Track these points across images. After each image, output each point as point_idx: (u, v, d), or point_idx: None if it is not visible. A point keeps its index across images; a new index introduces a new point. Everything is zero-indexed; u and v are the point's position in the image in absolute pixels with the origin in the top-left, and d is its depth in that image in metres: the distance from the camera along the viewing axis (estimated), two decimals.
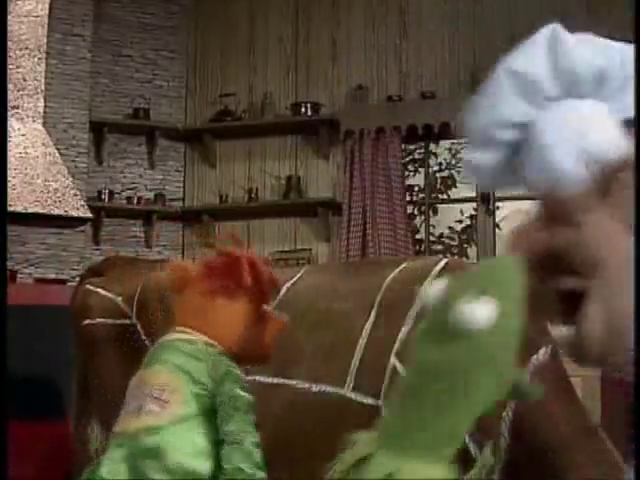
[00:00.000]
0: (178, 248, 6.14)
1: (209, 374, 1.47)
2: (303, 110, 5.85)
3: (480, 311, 0.93)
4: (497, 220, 5.84)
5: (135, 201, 5.95)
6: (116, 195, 5.92)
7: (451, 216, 6.38)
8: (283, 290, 2.22)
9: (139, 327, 2.46)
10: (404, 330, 1.93)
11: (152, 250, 6.01)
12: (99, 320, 2.56)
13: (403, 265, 2.09)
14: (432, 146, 6.15)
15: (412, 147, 6.15)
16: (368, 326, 2.01)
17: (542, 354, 1.75)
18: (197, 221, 6.07)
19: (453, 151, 6.33)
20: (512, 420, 1.75)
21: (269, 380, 2.06)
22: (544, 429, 1.68)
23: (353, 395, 1.92)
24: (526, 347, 0.93)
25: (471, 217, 6.20)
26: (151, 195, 6.03)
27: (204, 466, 1.43)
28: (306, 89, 6.01)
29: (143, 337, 2.45)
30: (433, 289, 0.96)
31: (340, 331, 1.90)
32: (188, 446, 1.45)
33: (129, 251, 5.87)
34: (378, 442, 1.09)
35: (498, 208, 5.80)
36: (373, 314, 2.03)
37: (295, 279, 2.26)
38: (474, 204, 5.82)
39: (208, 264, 1.57)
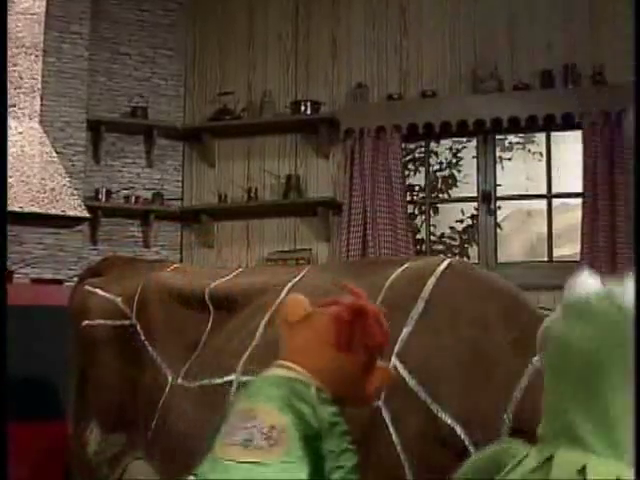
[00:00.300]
0: (176, 248, 6.14)
1: (318, 420, 1.50)
2: (303, 109, 5.83)
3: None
4: (498, 220, 5.85)
5: (133, 200, 5.92)
6: (114, 194, 5.91)
7: (452, 216, 6.38)
8: (284, 291, 2.24)
9: (139, 328, 2.47)
10: (405, 331, 1.94)
11: (150, 250, 6.00)
12: (98, 321, 2.57)
13: (406, 265, 2.10)
14: (433, 145, 6.15)
15: (413, 146, 6.15)
16: None
17: None
18: (196, 221, 6.07)
19: (454, 150, 6.34)
20: (512, 421, 1.77)
21: None
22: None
23: None
24: None
25: (472, 217, 6.22)
26: (149, 194, 6.01)
27: None
28: (306, 87, 6.00)
29: (143, 338, 2.46)
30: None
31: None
32: None
33: (127, 251, 5.87)
34: (547, 439, 1.17)
35: (499, 208, 5.81)
36: None
37: (297, 279, 2.28)
38: (475, 204, 5.82)
39: (334, 311, 1.58)
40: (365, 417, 1.89)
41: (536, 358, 1.71)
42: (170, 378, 2.32)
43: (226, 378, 2.16)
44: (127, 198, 5.95)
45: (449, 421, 1.80)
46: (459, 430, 1.78)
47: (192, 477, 1.53)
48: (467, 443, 1.77)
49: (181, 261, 5.99)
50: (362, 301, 1.63)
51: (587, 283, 1.34)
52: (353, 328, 1.56)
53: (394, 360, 1.91)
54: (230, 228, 6.06)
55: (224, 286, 2.39)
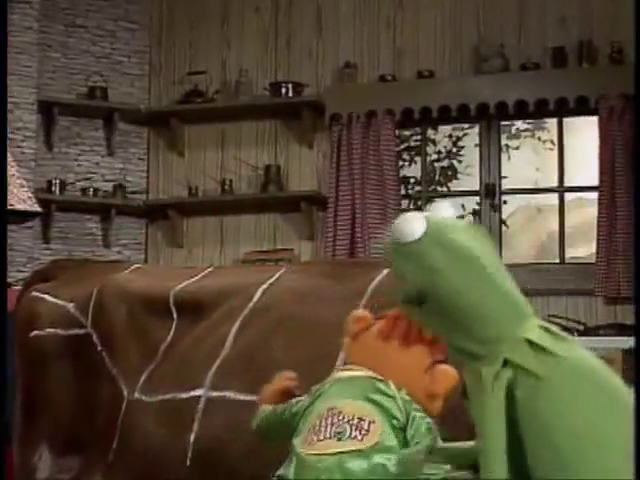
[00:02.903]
0: (141, 248, 6.12)
1: (400, 411, 1.62)
2: (283, 91, 5.84)
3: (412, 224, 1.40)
4: (503, 216, 5.86)
5: (91, 193, 5.91)
6: (69, 186, 5.90)
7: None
8: (258, 294, 2.22)
9: (95, 337, 2.45)
10: None
11: (111, 250, 5.99)
12: (48, 331, 2.54)
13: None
14: (430, 132, 6.16)
15: (407, 133, 6.16)
16: None
17: None
18: (163, 217, 6.07)
19: (454, 138, 6.35)
20: None
21: (241, 397, 2.06)
22: None
23: None
24: None
25: (474, 213, 6.21)
26: (109, 186, 6.00)
27: None
28: (287, 67, 6.00)
29: (100, 348, 2.43)
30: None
31: (321, 343, 1.89)
32: None
33: (84, 251, 5.86)
34: None
35: (505, 203, 5.82)
36: None
37: (271, 281, 2.25)
38: (477, 198, 5.83)
39: (391, 317, 1.71)
40: None
41: None
42: (126, 393, 2.30)
43: (192, 393, 2.14)
44: (84, 190, 5.92)
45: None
46: None
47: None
48: None
49: (146, 262, 5.97)
50: None
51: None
52: (409, 322, 1.66)
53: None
54: (202, 225, 6.05)
55: (191, 288, 2.38)
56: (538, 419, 1.37)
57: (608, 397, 1.40)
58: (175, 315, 2.35)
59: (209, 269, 2.55)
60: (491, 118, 5.65)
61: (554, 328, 1.45)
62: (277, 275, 2.27)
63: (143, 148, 6.17)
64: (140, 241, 6.13)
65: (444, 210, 1.48)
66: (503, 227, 5.80)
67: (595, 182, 5.29)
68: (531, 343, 1.40)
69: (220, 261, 5.93)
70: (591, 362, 1.44)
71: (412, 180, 6.20)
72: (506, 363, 1.40)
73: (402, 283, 1.45)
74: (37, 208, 5.25)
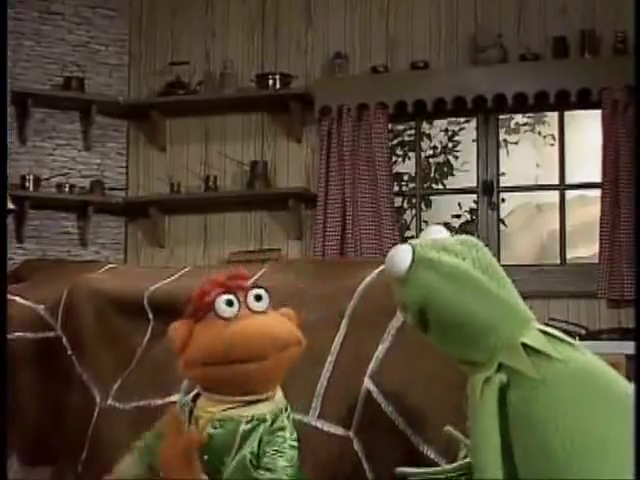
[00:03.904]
0: (120, 248, 6.11)
1: None
2: (270, 82, 5.83)
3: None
4: (502, 215, 5.86)
5: (67, 190, 5.87)
6: (44, 182, 5.87)
7: (447, 210, 6.41)
8: None
9: (65, 341, 2.44)
10: (381, 348, 1.93)
11: (88, 249, 5.98)
12: (17, 334, 2.54)
13: (382, 267, 2.07)
14: (425, 126, 6.17)
15: (401, 127, 6.17)
16: (337, 341, 2.00)
17: None
18: (143, 215, 6.05)
19: (450, 132, 6.36)
20: None
21: None
22: None
23: (320, 424, 1.92)
24: None
25: (471, 211, 6.23)
26: (87, 183, 5.97)
27: None
28: (274, 57, 6.00)
29: (70, 352, 2.43)
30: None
31: (305, 346, 1.89)
32: None
33: (60, 251, 5.85)
34: None
35: (503, 201, 5.82)
36: (344, 326, 2.01)
37: (252, 281, 2.24)
38: (475, 196, 5.84)
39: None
40: (334, 448, 1.87)
41: None
42: (98, 399, 2.29)
43: (167, 399, 2.12)
44: (60, 187, 5.89)
45: (432, 455, 1.79)
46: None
47: None
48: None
49: (125, 263, 5.95)
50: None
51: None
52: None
53: (368, 382, 1.89)
54: (184, 224, 6.03)
55: (166, 289, 2.37)
56: (531, 422, 1.45)
57: (608, 401, 1.49)
58: (151, 316, 2.34)
59: (186, 269, 2.55)
60: (489, 112, 5.65)
61: (555, 332, 1.55)
62: (258, 275, 2.27)
63: (122, 142, 6.14)
64: (119, 241, 6.11)
65: (436, 233, 1.65)
66: (501, 226, 5.81)
67: (598, 179, 5.28)
68: (527, 347, 1.51)
69: (204, 262, 5.91)
70: (593, 365, 1.52)
71: (406, 177, 6.21)
72: (500, 368, 1.51)
73: (405, 311, 1.62)
74: (10, 205, 5.22)
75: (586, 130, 5.73)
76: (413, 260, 1.56)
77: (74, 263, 3.23)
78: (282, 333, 1.69)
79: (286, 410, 1.73)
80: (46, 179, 5.90)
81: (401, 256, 1.57)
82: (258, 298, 1.71)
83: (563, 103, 5.40)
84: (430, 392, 1.86)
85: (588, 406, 1.45)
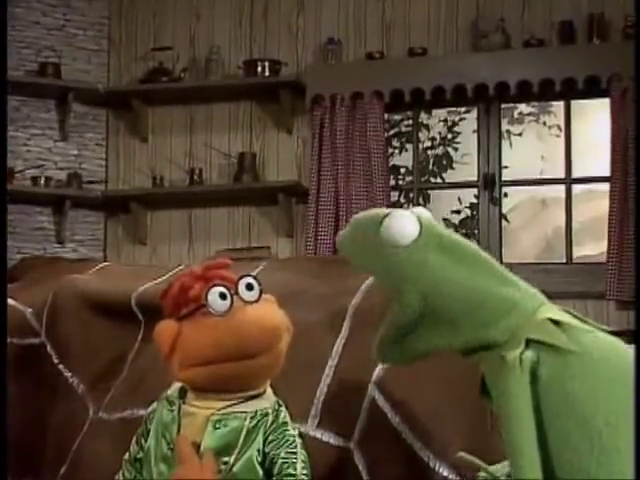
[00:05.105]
0: (99, 245, 6.11)
1: None
2: (259, 70, 5.83)
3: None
4: (504, 210, 5.87)
5: (42, 183, 5.88)
6: (17, 175, 5.85)
7: (447, 205, 6.43)
8: None
9: (49, 348, 2.41)
10: None
11: (65, 246, 5.98)
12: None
13: None
14: (423, 116, 6.17)
15: (397, 117, 6.17)
16: (339, 344, 1.98)
17: None
18: (124, 210, 6.06)
19: (449, 123, 6.37)
20: None
21: None
22: None
23: (318, 433, 1.90)
24: None
25: (471, 206, 6.24)
26: (63, 175, 5.97)
27: None
28: (263, 43, 6.00)
29: (55, 361, 2.39)
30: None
31: (303, 349, 1.88)
32: None
33: (35, 248, 5.85)
34: None
35: (506, 195, 5.83)
36: (345, 328, 2.00)
37: None
38: (475, 190, 5.85)
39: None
40: (332, 461, 1.86)
41: None
42: (91, 410, 2.27)
43: (151, 409, 2.11)
44: (35, 180, 5.89)
45: (444, 472, 1.77)
46: None
47: None
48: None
49: (105, 261, 5.93)
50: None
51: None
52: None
53: (372, 389, 1.88)
54: (167, 219, 6.03)
55: (156, 289, 2.35)
56: (568, 399, 1.41)
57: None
58: (141, 317, 2.33)
59: (179, 267, 2.53)
60: (490, 101, 5.66)
61: (570, 310, 1.55)
62: (255, 272, 2.25)
63: (101, 132, 6.15)
64: (98, 237, 6.11)
65: (422, 213, 1.53)
66: (504, 222, 5.82)
67: (606, 172, 5.30)
68: (555, 322, 1.47)
69: (188, 260, 5.90)
70: (617, 342, 1.50)
71: (403, 170, 6.22)
72: (527, 345, 1.46)
73: (398, 294, 1.49)
74: None
75: (594, 120, 5.75)
76: (421, 232, 1.46)
77: (71, 262, 3.20)
78: (280, 323, 1.68)
79: (281, 405, 1.72)
80: (20, 171, 5.89)
81: (406, 227, 1.47)
82: (249, 287, 1.68)
83: (570, 91, 5.42)
84: (443, 402, 1.84)
85: (623, 382, 1.42)
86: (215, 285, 1.65)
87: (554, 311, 1.50)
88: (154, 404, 1.81)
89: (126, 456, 1.79)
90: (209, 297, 1.64)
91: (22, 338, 2.47)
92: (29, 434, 2.38)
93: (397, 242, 1.46)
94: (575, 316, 1.52)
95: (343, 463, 1.87)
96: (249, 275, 1.71)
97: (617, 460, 1.38)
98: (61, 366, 2.37)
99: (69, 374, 2.36)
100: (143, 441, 1.77)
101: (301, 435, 1.74)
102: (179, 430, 1.70)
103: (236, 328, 1.63)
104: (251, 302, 1.67)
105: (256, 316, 1.65)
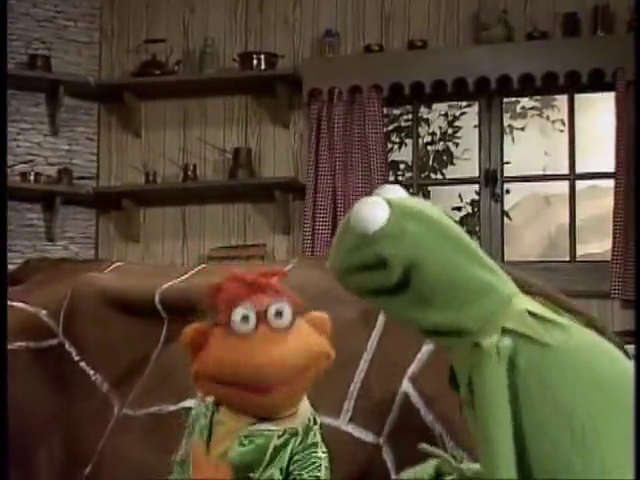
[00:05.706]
0: (90, 242, 6.11)
1: None
2: (255, 62, 5.83)
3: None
4: (506, 207, 5.89)
5: (32, 178, 5.87)
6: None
7: (447, 201, 6.44)
8: None
9: (67, 346, 2.42)
10: (425, 349, 1.92)
11: (55, 244, 5.97)
12: (18, 344, 2.49)
13: None
14: (423, 110, 6.18)
15: (397, 112, 6.18)
16: (374, 338, 2.00)
17: None
18: (115, 207, 6.05)
19: (450, 117, 6.38)
20: None
21: None
22: None
23: (350, 428, 1.92)
24: None
25: (473, 203, 6.25)
26: (54, 171, 5.97)
27: None
28: (259, 35, 6.01)
29: (75, 358, 2.40)
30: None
31: (337, 345, 1.89)
32: None
33: (24, 245, 5.85)
34: None
35: (508, 192, 5.85)
36: (380, 322, 2.02)
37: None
38: (477, 186, 5.86)
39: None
40: (363, 457, 1.87)
41: None
42: (116, 407, 2.28)
43: (181, 404, 2.13)
44: (24, 175, 5.88)
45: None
46: None
47: None
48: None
49: (97, 259, 5.93)
50: None
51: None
52: None
53: (406, 385, 1.90)
54: (161, 216, 6.03)
55: (180, 287, 2.36)
56: (547, 387, 1.42)
57: (623, 375, 1.47)
58: (165, 317, 2.34)
59: (202, 265, 2.55)
60: (492, 95, 5.67)
61: (546, 302, 1.55)
62: (286, 269, 2.26)
63: (93, 127, 6.15)
64: (89, 234, 6.11)
65: (395, 192, 1.55)
66: (506, 219, 5.84)
67: (611, 168, 5.31)
68: (532, 314, 1.48)
69: (182, 258, 5.92)
70: (595, 338, 1.51)
71: (402, 166, 6.24)
72: (503, 334, 1.46)
73: (378, 273, 1.49)
74: None
75: (598, 114, 5.77)
76: (391, 212, 1.47)
77: (78, 262, 3.19)
78: (298, 360, 1.61)
79: (315, 422, 1.67)
80: (9, 167, 5.87)
81: (376, 210, 1.47)
82: (279, 314, 1.61)
83: (573, 85, 5.44)
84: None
85: (601, 373, 1.44)
86: (241, 305, 1.60)
87: (529, 302, 1.51)
88: (194, 404, 1.81)
89: (175, 457, 1.79)
90: (232, 317, 1.60)
91: (39, 341, 2.46)
92: (52, 440, 2.38)
93: (368, 227, 1.47)
94: (549, 307, 1.52)
95: (372, 459, 1.89)
96: (283, 300, 1.64)
97: (597, 451, 1.39)
98: (82, 364, 2.37)
99: (92, 372, 2.37)
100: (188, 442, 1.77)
101: (333, 429, 1.75)
102: (210, 437, 1.67)
103: (253, 356, 1.58)
104: (279, 330, 1.61)
105: (269, 352, 1.59)
